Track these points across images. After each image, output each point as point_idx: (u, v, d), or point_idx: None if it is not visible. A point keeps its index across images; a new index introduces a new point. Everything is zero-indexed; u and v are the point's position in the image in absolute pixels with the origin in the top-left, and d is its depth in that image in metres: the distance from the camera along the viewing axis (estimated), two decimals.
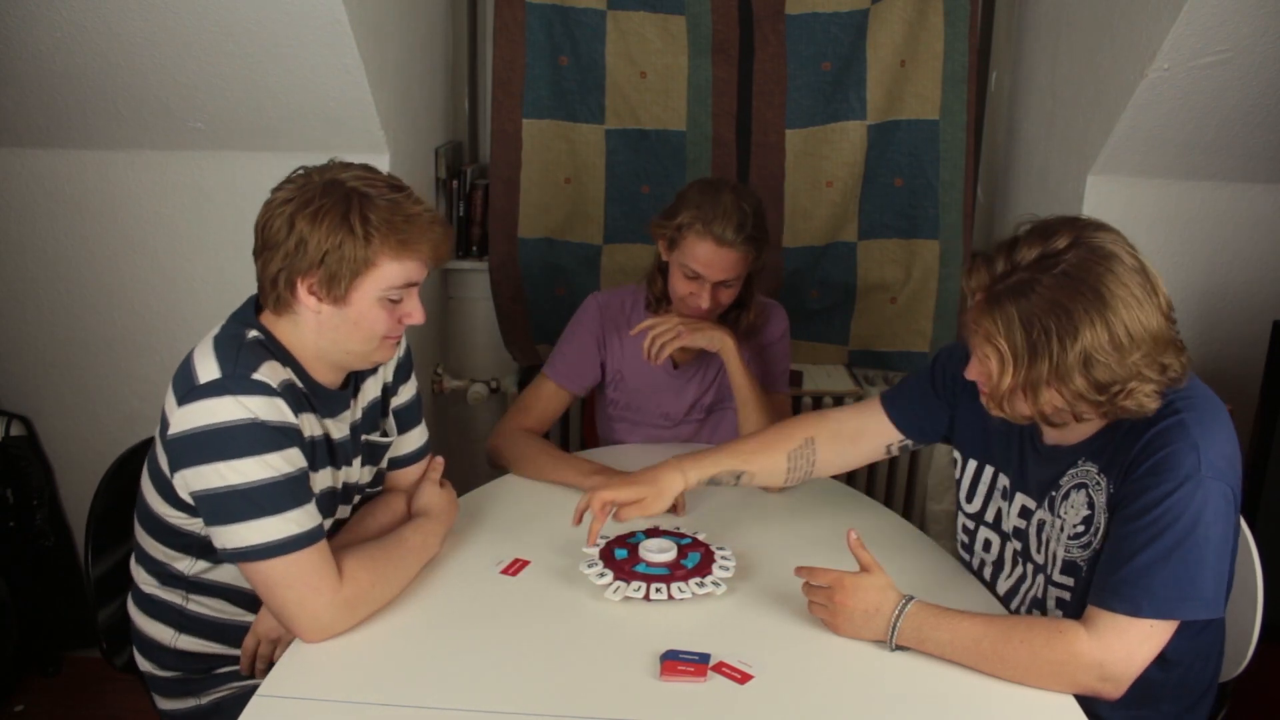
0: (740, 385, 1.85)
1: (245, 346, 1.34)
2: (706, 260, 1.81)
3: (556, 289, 2.69)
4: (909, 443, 1.61)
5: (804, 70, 2.58)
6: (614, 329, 2.03)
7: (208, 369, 1.31)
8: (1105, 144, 2.20)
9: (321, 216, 1.31)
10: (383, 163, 2.17)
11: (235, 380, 1.29)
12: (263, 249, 1.36)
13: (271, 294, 1.37)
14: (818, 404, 2.64)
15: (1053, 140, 2.47)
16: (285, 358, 1.39)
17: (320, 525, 1.34)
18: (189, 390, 1.30)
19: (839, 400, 2.65)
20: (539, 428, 1.97)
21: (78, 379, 2.38)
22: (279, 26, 1.88)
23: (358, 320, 1.37)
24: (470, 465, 1.98)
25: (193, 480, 1.30)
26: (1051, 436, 1.41)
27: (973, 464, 1.54)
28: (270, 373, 1.32)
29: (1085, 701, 1.25)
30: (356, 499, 1.58)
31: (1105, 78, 2.18)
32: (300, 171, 1.38)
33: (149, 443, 1.62)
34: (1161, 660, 1.28)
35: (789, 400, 2.03)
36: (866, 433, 1.62)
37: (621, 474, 1.77)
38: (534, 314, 2.69)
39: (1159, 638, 1.24)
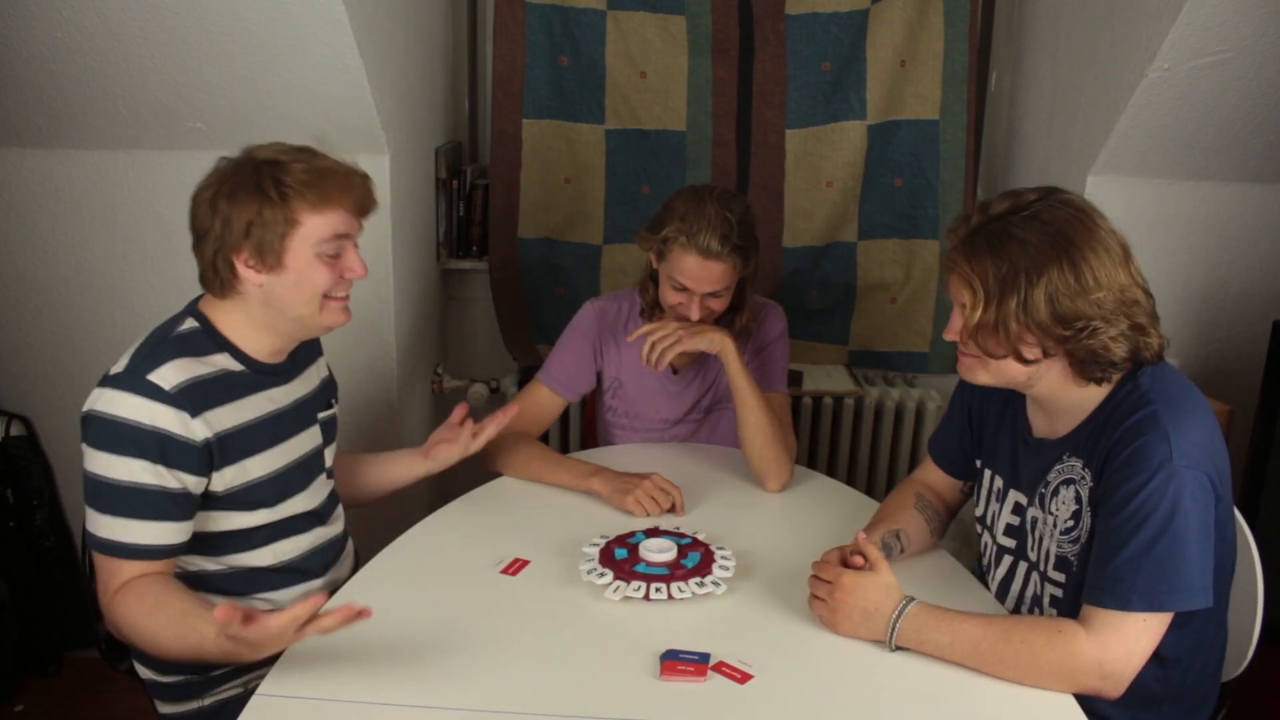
0: (740, 387, 1.85)
1: (166, 342, 1.39)
2: (693, 273, 1.80)
3: (556, 289, 2.69)
4: (959, 483, 1.66)
5: (804, 70, 2.58)
6: (611, 336, 2.02)
7: (120, 363, 1.37)
8: (1105, 144, 2.20)
9: (236, 190, 1.37)
10: (383, 163, 2.17)
11: (129, 376, 1.34)
12: (196, 240, 1.41)
13: (215, 280, 1.41)
14: (817, 404, 2.64)
15: (1053, 140, 2.48)
16: (219, 346, 1.43)
17: (160, 547, 1.35)
18: (104, 375, 1.37)
19: (839, 400, 2.65)
20: (531, 433, 1.96)
21: (78, 379, 2.38)
22: (279, 26, 1.88)
23: (298, 281, 1.40)
24: (470, 465, 1.97)
25: (83, 457, 1.35)
26: (1039, 429, 1.43)
27: (983, 469, 1.56)
28: (173, 372, 1.35)
29: (1087, 701, 1.25)
30: (322, 477, 1.59)
31: (1105, 78, 2.18)
32: (221, 161, 1.43)
33: None
34: (1159, 659, 1.29)
35: (787, 400, 2.03)
36: (940, 483, 1.67)
37: (618, 473, 1.78)
38: (534, 314, 2.70)
39: (1154, 632, 1.24)
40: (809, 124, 2.61)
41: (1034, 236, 1.25)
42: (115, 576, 1.34)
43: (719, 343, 1.84)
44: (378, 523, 1.84)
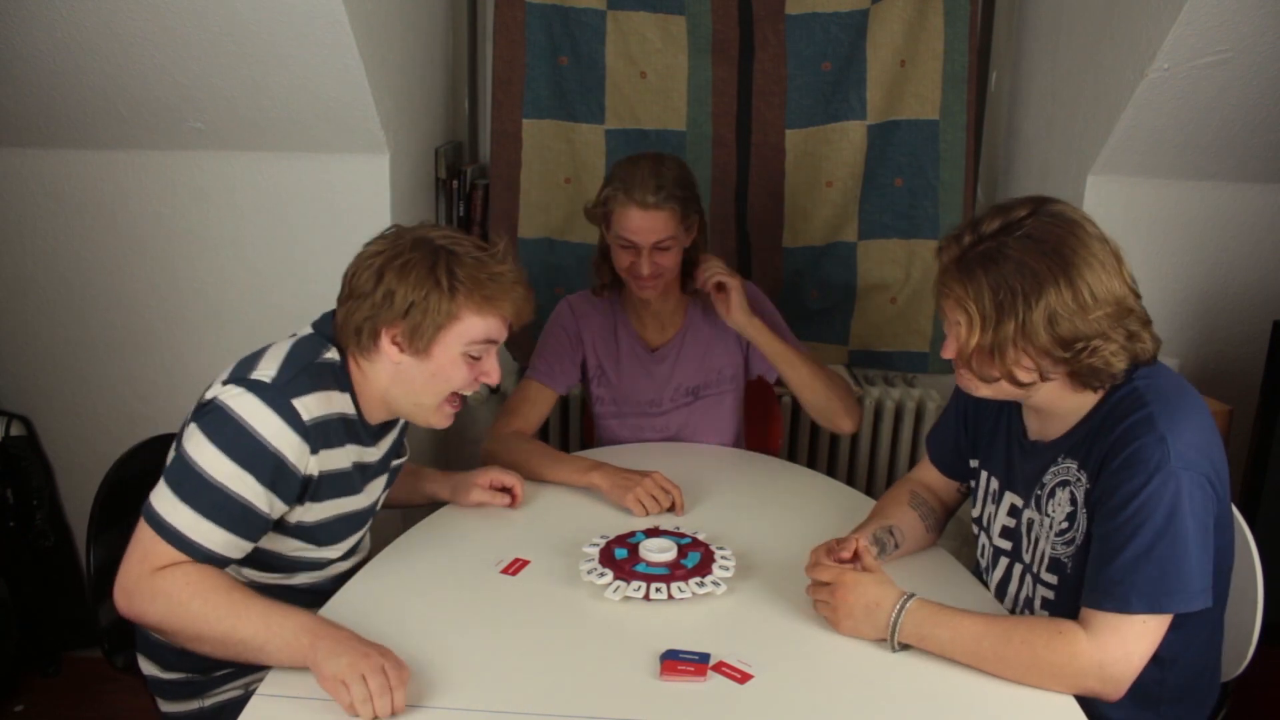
0: (772, 349, 1.92)
1: (312, 367, 1.38)
2: (635, 226, 1.86)
3: (556, 289, 2.69)
4: (955, 483, 1.66)
5: (804, 70, 2.58)
6: (587, 323, 2.07)
7: (268, 367, 1.36)
8: (1105, 144, 2.20)
9: (409, 269, 1.36)
10: (383, 163, 2.17)
11: (275, 391, 1.33)
12: (348, 297, 1.40)
13: (354, 340, 1.41)
14: None
15: (1053, 140, 2.48)
16: (347, 387, 1.43)
17: (220, 556, 1.32)
18: (242, 375, 1.35)
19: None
20: (528, 429, 1.98)
21: (78, 379, 2.38)
22: (279, 26, 1.88)
23: (435, 373, 1.41)
24: (470, 466, 1.97)
25: (184, 436, 1.34)
26: (1034, 431, 1.43)
27: (979, 470, 1.56)
28: (314, 404, 1.36)
29: (1086, 702, 1.25)
30: (369, 523, 1.61)
31: (1105, 78, 2.18)
32: (392, 229, 1.43)
33: (150, 443, 1.63)
34: (1157, 659, 1.28)
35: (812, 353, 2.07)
36: (936, 482, 1.67)
37: (619, 469, 1.78)
38: (534, 314, 2.69)
39: (1153, 634, 1.24)
40: (809, 124, 2.61)
41: (1029, 256, 1.24)
42: (161, 559, 1.30)
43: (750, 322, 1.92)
44: (378, 523, 1.84)
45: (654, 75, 2.58)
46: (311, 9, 1.84)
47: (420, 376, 1.41)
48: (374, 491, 1.56)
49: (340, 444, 1.42)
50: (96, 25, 1.88)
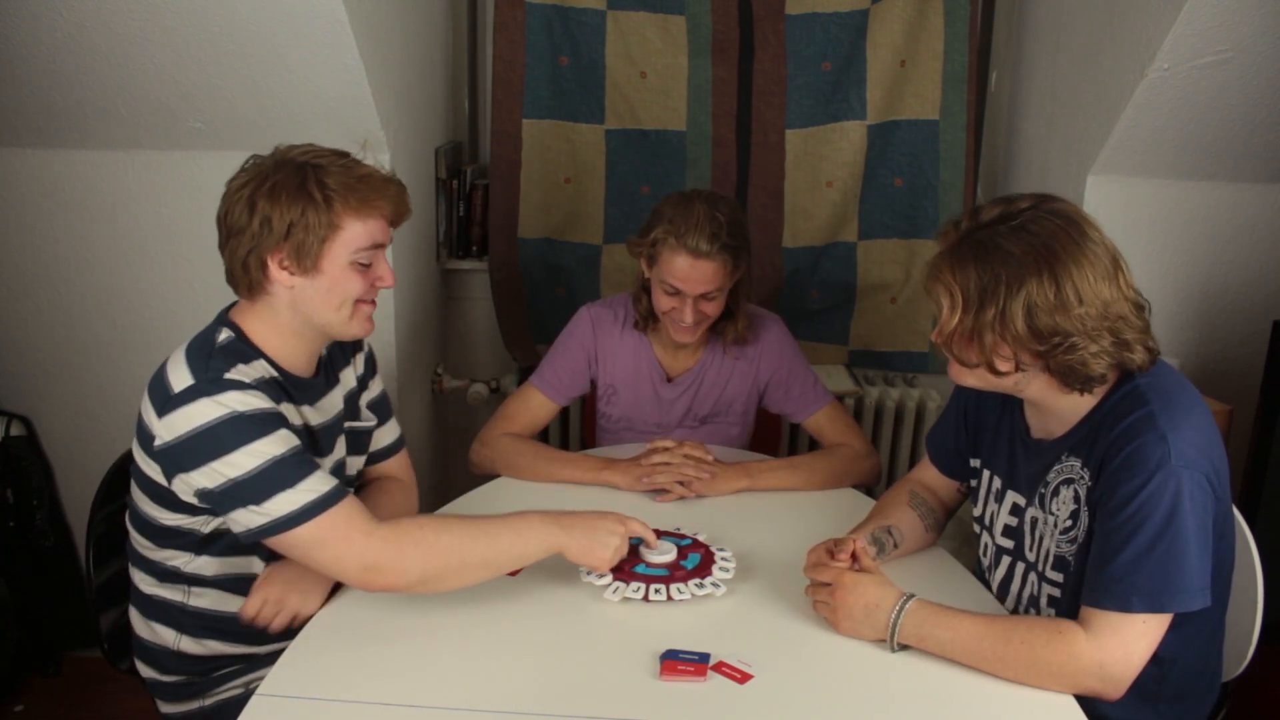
0: (789, 485, 1.84)
1: (215, 352, 1.37)
2: (684, 274, 1.80)
3: (556, 289, 2.69)
4: (955, 483, 1.66)
5: (804, 70, 2.58)
6: (606, 343, 2.01)
7: (180, 377, 1.33)
8: (1105, 144, 2.20)
9: (279, 191, 1.35)
10: (383, 163, 2.16)
11: (208, 383, 1.31)
12: (228, 237, 1.39)
13: (244, 280, 1.40)
14: None
15: (1053, 140, 2.48)
16: (256, 354, 1.42)
17: (337, 486, 1.33)
18: (166, 400, 1.32)
19: (839, 400, 2.64)
20: (524, 437, 1.96)
21: (78, 379, 2.38)
22: (279, 26, 1.88)
23: (330, 288, 1.40)
24: (469, 465, 1.97)
25: (196, 481, 1.31)
26: (1037, 430, 1.43)
27: (981, 469, 1.56)
28: (241, 373, 1.35)
29: (1086, 702, 1.25)
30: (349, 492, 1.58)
31: (1105, 78, 2.18)
32: (249, 160, 1.42)
33: None
34: (1157, 659, 1.29)
35: (839, 403, 2.02)
36: (936, 482, 1.67)
37: (627, 461, 1.78)
38: (534, 314, 2.70)
39: (1154, 634, 1.24)
40: (809, 124, 2.61)
41: (1018, 248, 1.24)
42: (343, 527, 1.29)
43: (740, 485, 1.82)
44: None
45: (654, 75, 2.58)
46: (311, 9, 1.84)
47: (317, 295, 1.40)
48: (332, 454, 1.54)
49: (280, 401, 1.40)
50: (96, 25, 1.88)
